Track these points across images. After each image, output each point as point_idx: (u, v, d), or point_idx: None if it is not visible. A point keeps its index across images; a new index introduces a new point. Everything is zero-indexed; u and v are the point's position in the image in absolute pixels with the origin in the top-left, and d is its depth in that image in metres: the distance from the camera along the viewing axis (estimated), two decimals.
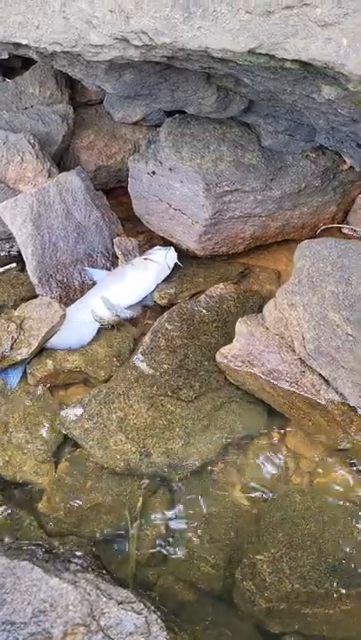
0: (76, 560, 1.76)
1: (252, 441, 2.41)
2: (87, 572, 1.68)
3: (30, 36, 2.39)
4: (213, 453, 2.32)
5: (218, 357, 2.48)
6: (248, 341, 2.41)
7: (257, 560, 1.94)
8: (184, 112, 3.04)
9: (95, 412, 2.33)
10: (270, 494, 2.26)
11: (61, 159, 3.41)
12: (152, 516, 2.18)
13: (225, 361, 2.45)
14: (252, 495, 2.28)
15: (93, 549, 1.90)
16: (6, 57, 3.69)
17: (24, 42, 2.41)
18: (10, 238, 3.02)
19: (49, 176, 3.15)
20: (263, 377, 2.38)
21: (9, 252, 3.14)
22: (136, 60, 2.32)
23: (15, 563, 1.65)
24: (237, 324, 2.45)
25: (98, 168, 3.41)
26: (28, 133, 3.15)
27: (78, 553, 1.80)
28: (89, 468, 2.24)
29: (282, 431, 2.43)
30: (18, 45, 2.55)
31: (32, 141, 3.12)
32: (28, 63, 3.54)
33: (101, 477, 2.22)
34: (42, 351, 2.59)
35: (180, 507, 2.21)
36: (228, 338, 2.56)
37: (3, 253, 3.16)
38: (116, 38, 2.24)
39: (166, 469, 2.25)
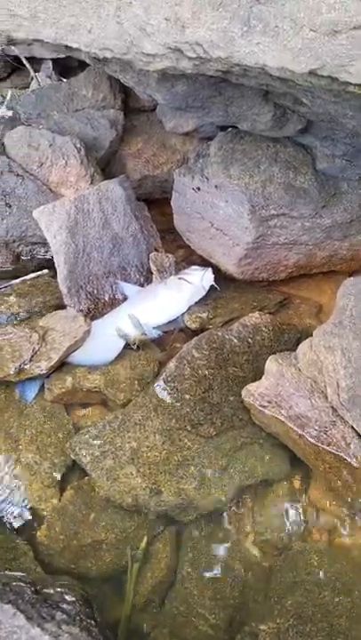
0: (64, 606, 1.64)
1: (272, 488, 2.24)
2: (73, 625, 1.56)
3: (82, 39, 2.28)
4: (228, 497, 2.16)
5: (244, 394, 2.33)
6: (278, 381, 2.24)
7: (260, 630, 1.77)
8: (238, 127, 2.89)
9: (108, 439, 2.21)
10: (285, 550, 2.09)
11: (108, 164, 3.32)
12: (155, 559, 2.04)
13: (251, 399, 2.30)
14: (265, 548, 2.11)
15: (85, 594, 1.77)
16: (63, 56, 3.64)
17: (75, 45, 2.31)
18: (46, 243, 2.94)
19: (92, 182, 3.07)
20: (290, 421, 2.21)
21: (43, 256, 3.07)
22: (189, 71, 2.19)
23: None
24: (268, 361, 2.29)
25: (143, 177, 3.30)
26: (75, 137, 3.07)
27: (68, 598, 1.68)
28: (94, 499, 2.12)
29: (305, 481, 2.25)
30: (69, 48, 2.45)
31: (78, 145, 3.04)
32: (84, 64, 3.45)
33: (106, 511, 2.10)
34: (62, 366, 2.49)
35: (186, 552, 2.06)
36: (258, 373, 2.41)
37: (37, 258, 3.09)
38: (170, 48, 2.11)
39: (176, 510, 2.11)
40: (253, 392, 2.30)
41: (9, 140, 3.12)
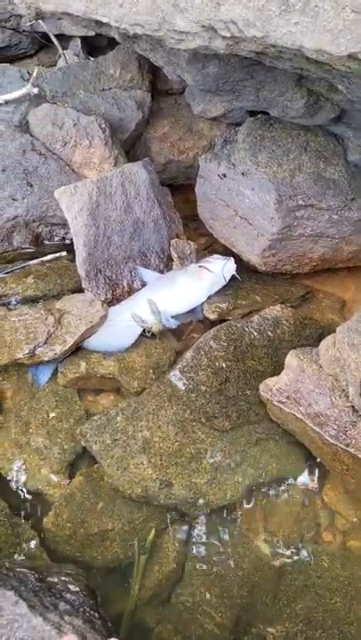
0: (68, 596, 1.60)
1: (286, 487, 2.18)
2: (76, 616, 1.51)
3: (112, 14, 2.21)
4: (240, 494, 2.10)
5: (262, 388, 2.26)
6: (297, 377, 2.17)
7: (268, 633, 1.72)
8: (268, 113, 2.80)
9: (120, 427, 2.16)
10: (296, 550, 2.03)
11: (132, 147, 3.25)
12: (162, 553, 1.99)
13: (269, 394, 2.23)
14: (276, 547, 2.06)
15: (89, 585, 1.72)
16: (93, 34, 3.56)
17: (105, 20, 2.23)
18: (66, 224, 2.88)
19: (115, 164, 3.00)
20: (308, 419, 2.14)
21: (63, 238, 3.02)
22: (221, 51, 2.10)
23: (1, 591, 1.51)
24: (289, 356, 2.22)
25: (168, 162, 3.22)
26: (100, 117, 3.00)
27: (72, 587, 1.64)
28: (103, 487, 2.07)
29: (320, 482, 2.19)
30: (100, 24, 2.38)
31: (103, 126, 2.97)
32: (113, 43, 3.38)
33: (114, 500, 2.05)
34: (77, 350, 2.44)
35: (195, 547, 2.01)
36: (277, 367, 2.34)
37: (57, 239, 3.04)
38: (203, 26, 2.02)
39: (186, 504, 2.05)
40: (272, 387, 2.23)
41: (33, 118, 3.06)
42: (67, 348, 2.35)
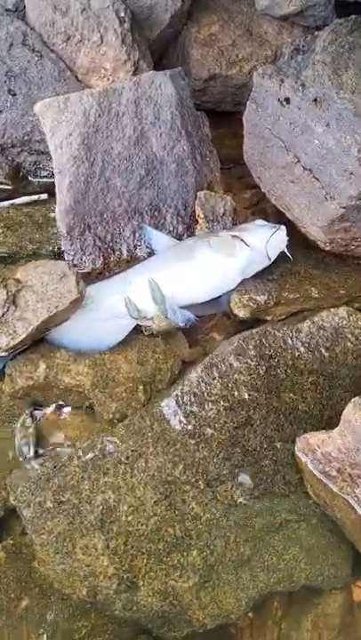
0: None
1: (317, 601, 1.44)
2: None
3: None
4: (245, 608, 1.36)
5: (300, 445, 1.46)
6: (359, 444, 1.34)
7: None
8: None
9: (72, 482, 1.41)
10: None
11: (165, 52, 2.39)
12: None
13: (309, 457, 1.44)
14: None
15: None
16: None
17: None
18: None
19: (135, 72, 2.15)
20: None
21: (52, 173, 2.20)
22: None
23: None
24: (350, 405, 1.38)
25: (212, 76, 2.36)
26: (120, 2, 2.10)
27: None
28: (34, 574, 1.36)
29: None
30: None
31: (122, 14, 2.12)
32: None
33: (48, 598, 1.34)
34: (39, 343, 1.69)
35: None
36: (329, 410, 1.55)
37: (44, 174, 2.23)
38: None
39: (157, 620, 1.32)
40: (315, 447, 1.42)
41: None
42: (17, 342, 1.61)
